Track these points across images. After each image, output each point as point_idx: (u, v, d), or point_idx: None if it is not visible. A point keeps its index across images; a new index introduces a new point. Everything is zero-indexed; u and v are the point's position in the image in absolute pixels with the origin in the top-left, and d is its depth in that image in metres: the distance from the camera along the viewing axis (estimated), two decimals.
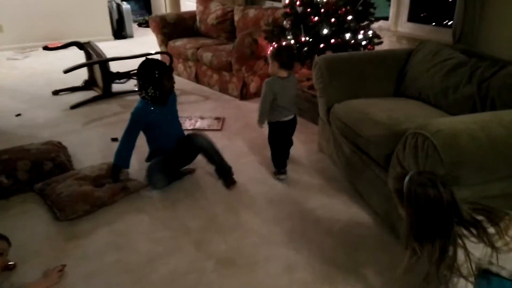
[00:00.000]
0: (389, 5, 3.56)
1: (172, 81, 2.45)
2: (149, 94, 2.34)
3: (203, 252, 1.96)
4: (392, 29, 3.52)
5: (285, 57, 2.48)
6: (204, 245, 2.00)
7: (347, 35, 3.21)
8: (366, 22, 3.25)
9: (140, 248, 1.98)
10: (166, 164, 2.47)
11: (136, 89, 2.42)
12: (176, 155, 2.55)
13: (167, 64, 4.32)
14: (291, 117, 2.61)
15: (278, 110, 2.55)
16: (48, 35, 6.37)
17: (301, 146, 3.06)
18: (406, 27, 3.46)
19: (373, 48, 3.28)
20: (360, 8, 3.17)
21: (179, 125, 2.67)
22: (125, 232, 2.09)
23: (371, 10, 3.23)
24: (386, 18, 3.57)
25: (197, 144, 2.53)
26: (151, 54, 4.20)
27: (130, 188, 2.35)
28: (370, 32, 3.28)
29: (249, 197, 2.42)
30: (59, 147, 2.82)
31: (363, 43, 3.25)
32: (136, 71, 2.42)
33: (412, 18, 3.45)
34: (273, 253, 1.94)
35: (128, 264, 1.88)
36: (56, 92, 4.28)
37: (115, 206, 2.28)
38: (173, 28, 4.83)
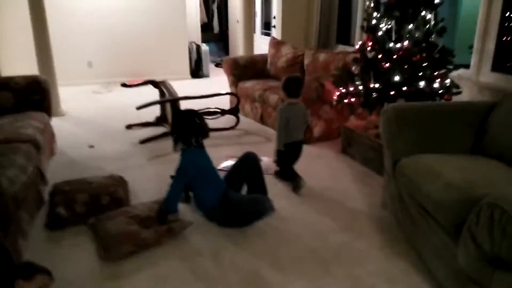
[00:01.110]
0: (471, 52, 3.28)
1: (207, 125, 2.53)
2: (193, 142, 2.42)
3: None
4: (473, 78, 3.23)
5: (291, 88, 2.91)
6: None
7: (421, 83, 2.98)
8: (443, 70, 3.01)
9: None
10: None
11: (178, 144, 2.48)
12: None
13: (235, 104, 4.38)
14: (299, 139, 2.99)
15: (289, 133, 2.92)
16: (132, 72, 6.85)
17: (363, 199, 2.83)
18: (489, 77, 3.15)
19: (451, 99, 3.01)
20: (437, 55, 2.94)
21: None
22: (165, 279, 2.02)
23: (449, 57, 2.99)
24: (467, 66, 3.29)
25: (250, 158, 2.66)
26: (220, 94, 4.29)
27: (175, 229, 2.30)
28: (447, 81, 3.02)
29: (299, 253, 2.23)
30: (120, 182, 2.88)
31: (439, 92, 2.99)
32: (173, 123, 2.55)
33: (496, 67, 3.13)
34: None
35: None
36: (129, 127, 4.49)
37: (159, 248, 2.23)
38: (244, 70, 4.92)
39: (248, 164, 2.66)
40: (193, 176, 2.42)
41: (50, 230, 2.42)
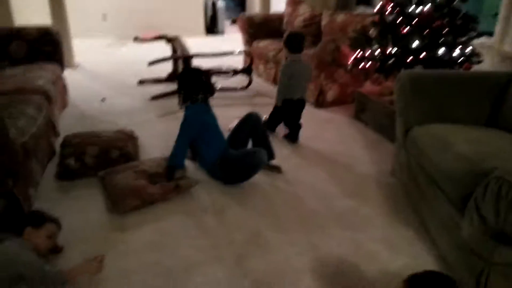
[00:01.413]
0: (496, 19, 3.12)
1: (213, 84, 2.59)
2: (199, 99, 2.44)
3: (242, 268, 1.85)
4: (496, 47, 3.09)
5: (294, 43, 2.94)
6: (244, 261, 1.89)
7: (441, 50, 2.87)
8: (465, 38, 2.88)
9: (181, 252, 1.93)
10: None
11: (184, 101, 2.49)
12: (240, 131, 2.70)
13: (248, 63, 4.30)
14: (299, 97, 3.01)
15: (290, 89, 2.95)
16: (146, 27, 6.74)
17: (373, 166, 2.81)
18: None
19: (470, 68, 2.90)
20: (459, 21, 2.81)
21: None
22: (169, 233, 2.06)
23: (473, 24, 2.85)
24: (491, 34, 3.14)
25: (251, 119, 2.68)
26: (232, 53, 4.21)
27: (182, 187, 2.33)
28: (468, 49, 2.90)
29: (303, 215, 2.25)
30: (129, 137, 2.90)
31: (459, 60, 2.88)
32: (180, 80, 2.52)
33: None
34: (314, 285, 1.76)
35: (166, 267, 1.84)
36: (141, 82, 4.48)
37: (165, 204, 2.27)
38: (259, 28, 4.79)
39: (250, 125, 2.67)
40: (197, 132, 2.44)
41: (60, 180, 2.47)
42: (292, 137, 3.11)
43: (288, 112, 3.06)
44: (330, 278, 1.81)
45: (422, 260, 1.93)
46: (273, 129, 3.20)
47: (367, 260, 1.92)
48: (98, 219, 2.15)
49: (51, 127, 2.77)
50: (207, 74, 2.50)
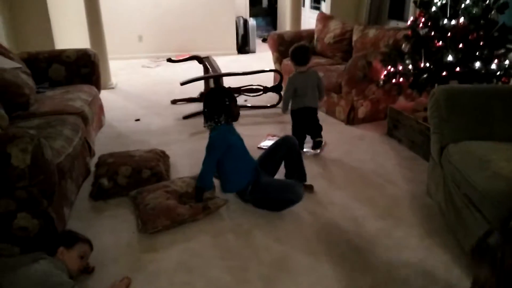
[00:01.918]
0: None
1: (238, 108, 2.49)
2: (221, 121, 2.41)
3: None
4: None
5: (298, 56, 3.05)
6: (272, 284, 1.86)
7: (477, 64, 2.76)
8: (502, 50, 2.76)
9: (210, 273, 1.92)
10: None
11: (207, 121, 2.46)
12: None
13: (277, 81, 4.31)
14: (309, 105, 3.09)
15: (298, 100, 3.07)
16: (180, 47, 6.92)
17: (406, 185, 2.71)
18: None
19: (509, 81, 2.77)
20: (496, 33, 2.70)
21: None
22: (199, 254, 2.06)
23: (510, 36, 2.73)
24: None
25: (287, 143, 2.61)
26: (262, 71, 4.23)
27: (211, 208, 2.33)
28: (506, 62, 2.77)
29: (332, 239, 2.19)
30: (161, 156, 2.95)
31: (497, 74, 2.76)
32: (204, 100, 2.49)
33: None
34: None
35: None
36: (174, 102, 4.57)
37: (194, 224, 2.28)
38: (289, 46, 4.78)
39: (286, 148, 2.60)
40: (222, 153, 2.40)
41: (94, 200, 2.53)
42: (315, 144, 3.19)
43: (302, 122, 3.16)
44: None
45: (462, 285, 1.82)
46: (301, 146, 3.13)
47: (400, 285, 1.83)
48: (129, 239, 2.18)
49: (86, 147, 2.86)
50: (231, 97, 2.44)
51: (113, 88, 5.13)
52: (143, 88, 5.20)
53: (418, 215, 2.39)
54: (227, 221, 2.33)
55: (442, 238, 2.16)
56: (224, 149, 2.40)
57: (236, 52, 7.45)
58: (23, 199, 1.83)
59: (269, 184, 2.47)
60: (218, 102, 2.41)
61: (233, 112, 2.45)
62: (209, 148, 2.40)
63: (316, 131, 3.20)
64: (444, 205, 2.29)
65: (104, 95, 4.04)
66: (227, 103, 2.40)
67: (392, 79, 3.20)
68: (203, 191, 2.42)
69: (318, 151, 3.17)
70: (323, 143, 3.25)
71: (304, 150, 3.15)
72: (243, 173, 2.47)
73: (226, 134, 2.45)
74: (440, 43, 2.84)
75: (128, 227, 2.28)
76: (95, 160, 2.90)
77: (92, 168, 2.84)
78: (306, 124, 3.17)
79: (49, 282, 1.60)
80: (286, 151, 2.61)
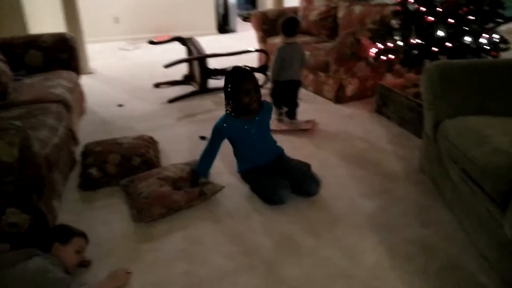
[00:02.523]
0: None
1: (253, 97, 2.19)
2: (228, 109, 2.26)
3: (274, 275, 1.79)
4: None
5: (289, 27, 3.10)
6: (276, 267, 1.83)
7: (467, 39, 2.75)
8: (492, 24, 2.75)
9: (211, 261, 1.88)
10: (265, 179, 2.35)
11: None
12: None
13: (263, 62, 4.22)
14: (293, 78, 3.18)
15: (284, 71, 3.13)
16: (158, 28, 6.72)
17: (399, 162, 2.71)
18: None
19: (498, 55, 2.77)
20: (486, 7, 2.68)
21: (270, 140, 2.49)
22: (198, 241, 2.01)
23: (499, 10, 2.72)
24: None
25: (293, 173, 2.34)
26: (247, 51, 4.14)
27: (207, 193, 2.27)
28: (495, 36, 2.77)
29: (332, 218, 2.18)
30: (150, 142, 2.86)
31: (486, 48, 2.76)
32: (225, 85, 2.26)
33: None
34: None
35: (197, 277, 1.79)
36: (157, 85, 4.44)
37: (191, 211, 2.22)
38: (273, 24, 4.68)
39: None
40: (229, 139, 2.33)
41: (83, 191, 2.44)
42: (290, 114, 3.32)
43: (284, 92, 3.25)
44: (364, 285, 1.74)
45: (462, 259, 1.84)
46: (279, 106, 3.31)
47: (403, 263, 1.84)
48: (124, 229, 2.11)
49: (71, 136, 2.74)
50: (241, 83, 2.15)
51: (92, 73, 4.96)
52: (124, 72, 5.04)
53: (413, 191, 2.39)
54: (225, 207, 2.28)
55: (439, 213, 2.18)
56: (222, 140, 2.31)
57: (217, 32, 7.29)
58: (11, 194, 1.74)
59: (259, 176, 2.36)
60: (225, 85, 2.23)
61: (240, 103, 2.19)
62: (210, 135, 2.31)
63: (292, 107, 3.31)
64: (439, 180, 2.30)
65: (83, 80, 3.88)
66: (228, 90, 2.18)
67: (382, 56, 3.16)
68: (197, 176, 2.36)
69: (294, 120, 3.31)
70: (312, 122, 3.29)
71: (282, 111, 3.33)
72: (249, 158, 2.41)
73: (223, 126, 2.26)
74: (431, 18, 2.80)
75: (121, 217, 2.21)
76: (80, 149, 2.79)
77: (78, 158, 2.74)
78: (286, 96, 3.29)
79: (45, 279, 1.53)
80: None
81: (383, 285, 1.72)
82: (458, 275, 1.75)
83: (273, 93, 3.28)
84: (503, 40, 2.80)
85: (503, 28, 2.90)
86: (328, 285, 1.73)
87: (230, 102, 2.22)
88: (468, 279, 1.73)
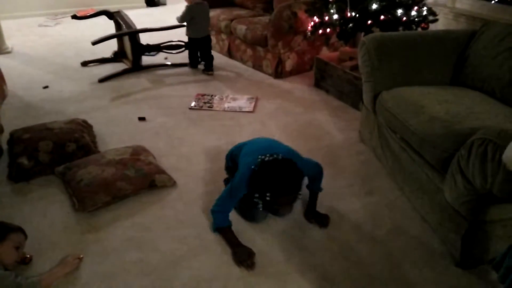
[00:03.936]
0: None
1: (287, 210, 1.92)
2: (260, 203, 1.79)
3: (229, 254, 1.78)
4: (449, 5, 3.13)
5: None
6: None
7: (399, 11, 2.86)
8: None
9: (163, 247, 1.83)
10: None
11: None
12: None
13: None
14: (204, 35, 3.81)
15: (195, 29, 3.76)
16: (79, 2, 6.22)
17: (341, 134, 2.80)
18: (465, 3, 3.07)
19: (427, 27, 2.92)
20: None
21: None
22: (148, 228, 1.94)
23: None
24: None
25: None
26: (183, 26, 3.97)
27: (158, 185, 2.17)
28: (424, 9, 2.91)
29: None
30: (84, 126, 2.68)
31: (416, 20, 2.89)
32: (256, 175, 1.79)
33: None
34: (305, 261, 1.74)
35: (150, 265, 1.73)
36: (85, 63, 4.14)
37: (137, 197, 2.12)
38: None
39: None
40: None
41: (15, 182, 2.24)
42: (207, 68, 3.89)
43: (199, 48, 3.88)
44: (320, 249, 1.79)
45: (406, 224, 1.96)
46: (195, 66, 4.01)
47: (352, 231, 1.92)
48: (66, 220, 1.97)
49: None
50: (283, 194, 1.74)
51: (9, 52, 4.48)
52: (46, 50, 4.62)
53: (356, 162, 2.49)
54: (172, 192, 2.21)
55: (382, 182, 2.29)
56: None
57: (145, 5, 6.92)
58: None
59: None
60: (262, 187, 1.74)
61: (272, 210, 1.89)
62: (232, 190, 1.88)
63: (208, 61, 3.87)
64: (380, 150, 2.41)
65: (0, 61, 3.52)
66: (267, 198, 1.72)
67: (319, 29, 3.20)
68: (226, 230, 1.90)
69: (211, 72, 3.86)
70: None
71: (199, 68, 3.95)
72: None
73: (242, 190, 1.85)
74: None
75: (61, 207, 2.06)
76: (6, 136, 2.54)
77: (5, 146, 2.49)
78: (200, 51, 3.89)
79: None
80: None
81: (333, 253, 1.78)
82: (403, 239, 1.87)
83: (190, 53, 3.89)
84: (431, 12, 2.94)
85: (430, 0, 3.05)
86: (284, 257, 1.76)
87: (261, 202, 1.78)
88: (412, 242, 1.85)
